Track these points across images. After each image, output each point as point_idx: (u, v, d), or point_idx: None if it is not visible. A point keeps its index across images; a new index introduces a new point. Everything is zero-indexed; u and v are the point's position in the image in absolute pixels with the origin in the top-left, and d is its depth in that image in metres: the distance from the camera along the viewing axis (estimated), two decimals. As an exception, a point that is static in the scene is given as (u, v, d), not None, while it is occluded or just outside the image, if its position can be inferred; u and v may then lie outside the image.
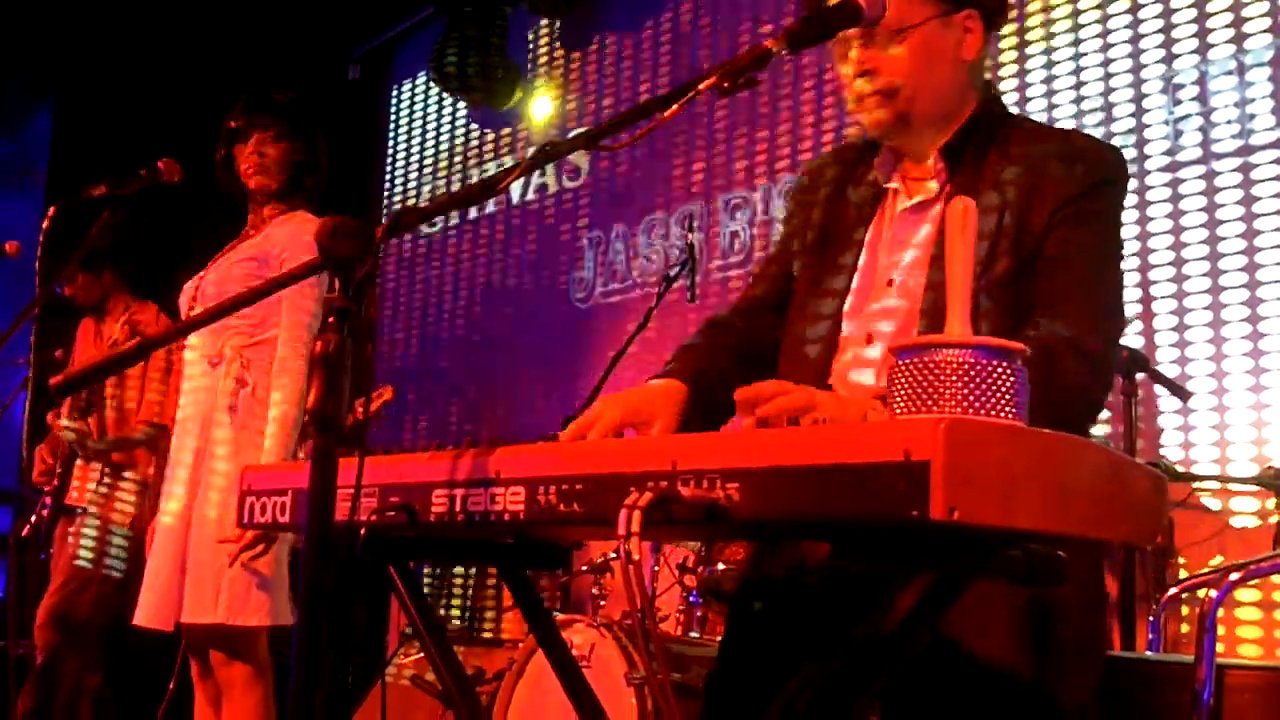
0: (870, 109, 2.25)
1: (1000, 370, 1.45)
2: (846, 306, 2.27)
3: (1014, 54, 5.52)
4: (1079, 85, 5.28)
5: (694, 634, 4.63)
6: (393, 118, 9.00)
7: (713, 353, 2.37)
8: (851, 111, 2.32)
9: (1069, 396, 2.01)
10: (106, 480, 5.34)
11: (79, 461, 5.40)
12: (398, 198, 8.82)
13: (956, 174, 2.23)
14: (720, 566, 4.48)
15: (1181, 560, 4.56)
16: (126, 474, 5.34)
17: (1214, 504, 4.67)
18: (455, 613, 7.39)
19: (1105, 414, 4.79)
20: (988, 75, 2.44)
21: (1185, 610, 4.41)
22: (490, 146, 8.20)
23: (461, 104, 8.30)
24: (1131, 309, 4.96)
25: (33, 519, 5.51)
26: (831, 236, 2.37)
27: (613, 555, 4.89)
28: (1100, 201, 2.16)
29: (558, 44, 7.80)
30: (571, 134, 7.37)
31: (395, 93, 9.03)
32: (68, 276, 5.55)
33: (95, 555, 5.28)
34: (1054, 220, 2.13)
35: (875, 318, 2.24)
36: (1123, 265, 2.27)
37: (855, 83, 2.26)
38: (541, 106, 7.75)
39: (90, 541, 5.25)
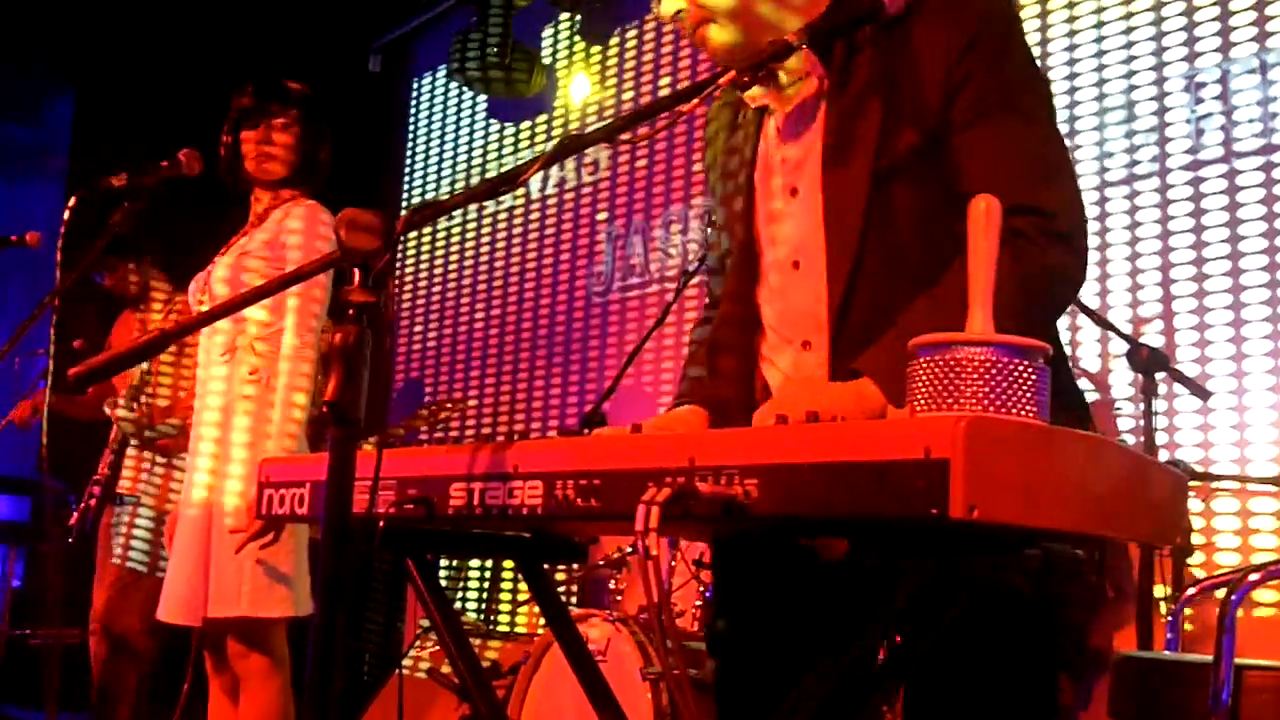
0: (705, 38, 2.10)
1: (1021, 368, 1.44)
2: (758, 225, 2.16)
3: (1037, 50, 5.50)
4: (1101, 84, 5.26)
5: (710, 629, 4.63)
6: (413, 109, 9.01)
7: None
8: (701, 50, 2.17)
9: (1050, 284, 1.92)
10: (159, 468, 5.34)
11: (131, 449, 5.39)
12: (417, 190, 8.82)
13: (831, 65, 2.06)
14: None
15: (1200, 560, 4.55)
16: (176, 460, 5.33)
17: (1233, 504, 4.66)
18: (471, 606, 7.40)
19: (1132, 408, 4.78)
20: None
21: (1204, 610, 4.39)
22: (510, 140, 8.20)
23: (482, 97, 8.30)
24: (1152, 308, 4.95)
25: (80, 506, 5.52)
26: (727, 167, 2.26)
27: (629, 550, 4.89)
28: (1003, 59, 1.98)
29: (578, 37, 7.80)
30: (591, 128, 7.38)
31: (416, 85, 9.03)
32: (108, 266, 5.56)
33: (151, 558, 5.27)
34: (952, 86, 1.95)
35: (790, 246, 2.12)
36: (1055, 113, 2.06)
37: (686, 29, 2.13)
38: (580, 87, 7.68)
39: (143, 543, 5.25)
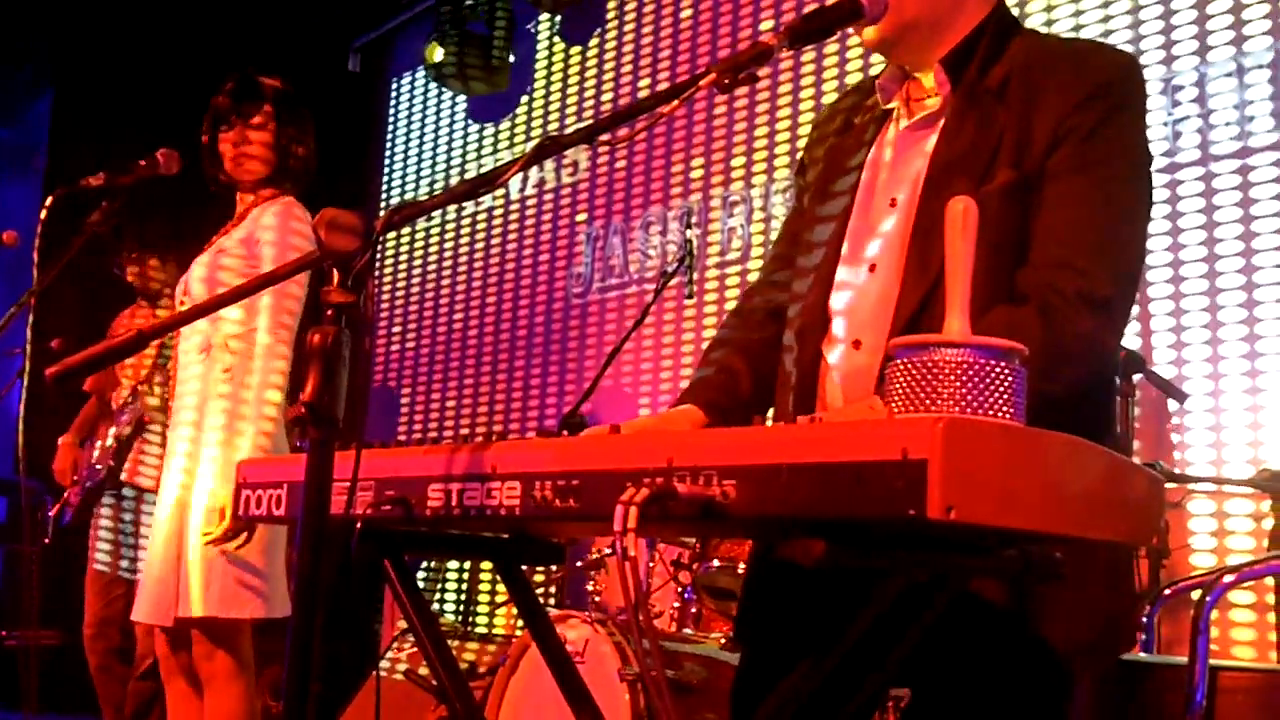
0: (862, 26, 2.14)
1: (999, 370, 1.44)
2: (848, 230, 2.18)
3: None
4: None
5: (688, 630, 4.63)
6: (392, 109, 9.00)
7: (725, 375, 2.33)
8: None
9: (1078, 347, 1.91)
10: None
11: (145, 438, 5.33)
12: (396, 190, 8.81)
13: (959, 87, 2.11)
14: (715, 563, 4.48)
15: (1175, 561, 4.56)
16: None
17: (1209, 505, 4.67)
18: (450, 607, 7.39)
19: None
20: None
21: (1178, 612, 4.41)
22: (489, 140, 8.19)
23: (461, 97, 8.29)
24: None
25: (80, 491, 5.46)
26: (833, 168, 2.28)
27: (607, 551, 4.89)
28: (1109, 125, 2.00)
29: (558, 38, 7.80)
30: (571, 129, 7.38)
31: (395, 84, 9.02)
32: (134, 260, 5.52)
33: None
34: (1057, 138, 1.99)
35: (873, 252, 2.14)
36: (1146, 198, 2.06)
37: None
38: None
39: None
